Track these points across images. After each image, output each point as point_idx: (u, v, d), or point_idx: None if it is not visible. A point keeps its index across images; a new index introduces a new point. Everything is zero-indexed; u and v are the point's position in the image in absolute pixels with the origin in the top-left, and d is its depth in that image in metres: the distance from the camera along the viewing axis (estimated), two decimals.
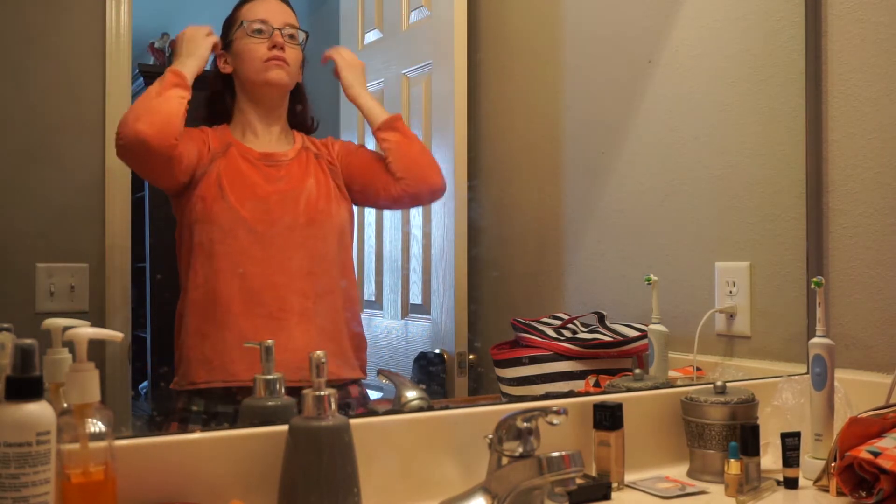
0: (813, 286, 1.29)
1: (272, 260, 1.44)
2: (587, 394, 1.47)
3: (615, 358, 1.55)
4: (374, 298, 2.04)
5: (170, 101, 1.37)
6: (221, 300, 1.40)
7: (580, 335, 1.59)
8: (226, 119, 1.53)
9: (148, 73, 2.01)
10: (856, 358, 1.49)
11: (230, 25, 1.53)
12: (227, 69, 1.52)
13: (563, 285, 1.91)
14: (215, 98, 1.54)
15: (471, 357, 1.86)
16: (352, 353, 1.51)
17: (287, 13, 1.55)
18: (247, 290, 1.41)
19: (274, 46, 1.49)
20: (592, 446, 1.21)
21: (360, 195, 1.58)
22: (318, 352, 0.98)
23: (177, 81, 1.39)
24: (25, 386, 0.77)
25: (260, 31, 1.50)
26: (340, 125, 2.14)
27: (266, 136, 1.52)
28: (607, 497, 1.17)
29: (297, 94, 1.57)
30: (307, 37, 1.56)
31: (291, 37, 1.53)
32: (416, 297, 1.99)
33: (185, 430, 1.30)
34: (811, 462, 1.24)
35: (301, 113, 1.58)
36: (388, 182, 1.55)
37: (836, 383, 1.37)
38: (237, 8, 1.55)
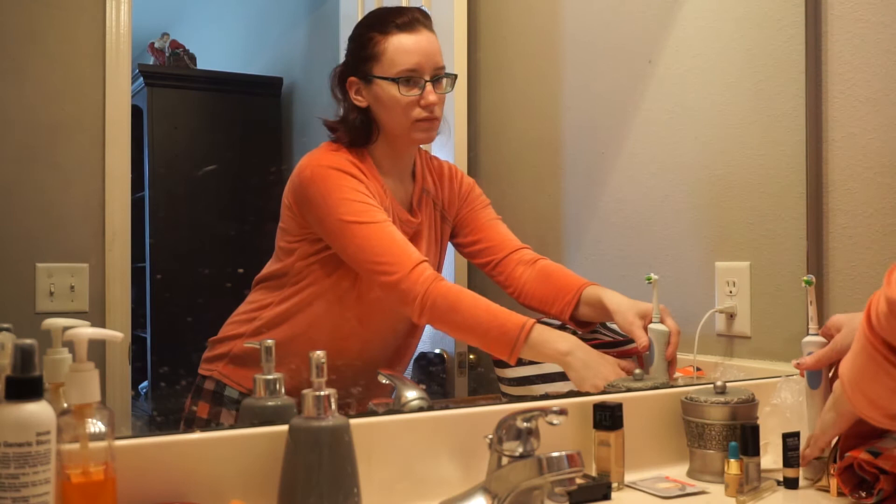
0: (804, 285, 1.29)
1: (367, 332, 1.44)
2: (587, 394, 1.47)
3: (615, 358, 1.55)
4: None
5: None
6: (306, 341, 1.39)
7: (580, 335, 1.59)
8: (366, 144, 1.44)
9: (148, 73, 2.01)
10: None
11: (368, 57, 1.39)
12: (362, 103, 1.41)
13: None
14: (355, 132, 1.42)
15: (471, 357, 1.86)
16: None
17: (436, 52, 1.40)
18: (336, 349, 1.38)
19: (427, 106, 1.38)
20: (592, 446, 1.21)
21: (466, 248, 1.56)
22: (318, 352, 0.98)
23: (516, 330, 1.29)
24: (25, 386, 0.77)
25: (409, 83, 1.37)
26: None
27: (399, 176, 1.47)
28: (607, 497, 1.16)
29: None
30: (455, 79, 1.44)
31: (439, 81, 1.40)
32: None
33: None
34: (811, 462, 1.24)
35: None
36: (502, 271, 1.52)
37: (836, 383, 1.37)
38: (379, 35, 1.38)
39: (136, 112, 1.88)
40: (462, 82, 1.96)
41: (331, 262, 1.42)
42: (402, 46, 1.37)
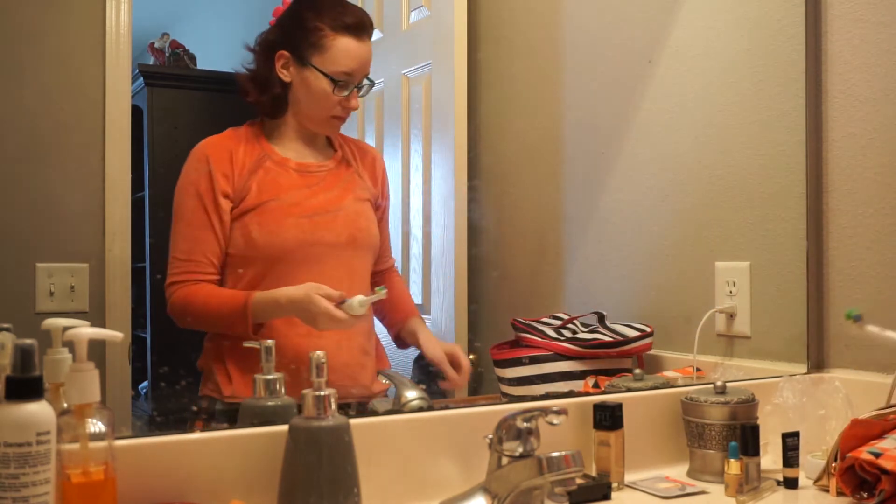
0: None
1: (312, 279, 1.41)
2: (587, 394, 1.47)
3: (615, 358, 1.55)
4: None
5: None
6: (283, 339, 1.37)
7: (580, 335, 1.59)
8: (272, 117, 1.48)
9: (148, 73, 2.01)
10: (856, 358, 1.49)
11: (311, 43, 1.43)
12: (286, 78, 1.45)
13: (563, 285, 1.91)
14: (270, 102, 1.47)
15: (471, 357, 1.86)
16: (381, 366, 1.54)
17: (369, 63, 1.47)
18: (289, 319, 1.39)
19: (347, 108, 1.45)
20: (592, 446, 1.21)
21: None
22: (318, 352, 0.98)
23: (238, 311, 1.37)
24: (25, 386, 0.77)
25: (343, 84, 1.43)
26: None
27: (304, 145, 1.49)
28: (607, 497, 1.17)
29: None
30: (372, 86, 1.50)
31: (362, 88, 1.47)
32: (416, 297, 1.99)
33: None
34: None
35: None
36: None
37: (836, 383, 1.37)
38: (329, 29, 1.43)
39: (136, 112, 1.88)
40: (462, 82, 1.96)
41: (245, 262, 1.44)
42: (348, 50, 1.43)
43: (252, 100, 1.48)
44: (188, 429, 1.37)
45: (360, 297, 1.34)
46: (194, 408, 1.44)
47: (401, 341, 1.57)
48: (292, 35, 1.45)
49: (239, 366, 1.39)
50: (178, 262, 1.41)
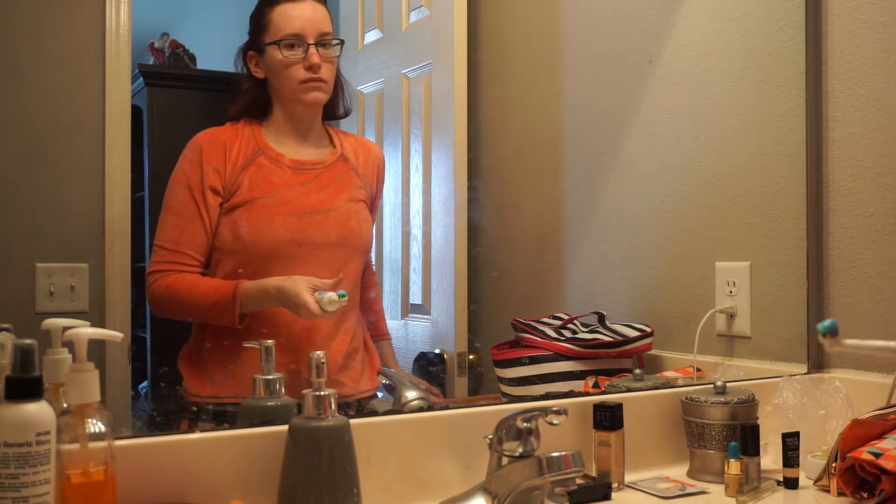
0: None
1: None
2: (587, 394, 1.47)
3: (615, 358, 1.55)
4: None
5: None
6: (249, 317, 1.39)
7: (580, 335, 1.59)
8: (263, 116, 1.49)
9: (148, 73, 2.01)
10: (856, 358, 1.49)
11: (260, 28, 1.48)
12: (260, 74, 1.48)
13: (563, 285, 1.91)
14: (250, 101, 1.49)
15: (471, 357, 1.86)
16: (371, 366, 1.53)
17: (321, 19, 1.49)
18: (274, 309, 1.39)
19: (310, 67, 1.45)
20: (592, 446, 1.21)
21: None
22: (318, 352, 0.98)
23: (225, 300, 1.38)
24: (25, 386, 0.77)
25: (293, 47, 1.45)
26: (339, 124, 2.14)
27: (300, 140, 1.49)
28: (607, 497, 1.17)
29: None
30: (342, 44, 1.51)
31: (326, 46, 1.47)
32: (416, 297, 1.99)
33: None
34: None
35: (331, 103, 1.54)
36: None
37: (836, 383, 1.37)
38: (268, 7, 1.48)
39: (136, 112, 1.88)
40: (462, 82, 1.95)
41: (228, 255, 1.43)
42: (285, 13, 1.46)
43: (237, 110, 1.49)
44: (175, 430, 1.38)
45: (330, 295, 1.34)
46: (179, 409, 1.45)
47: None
48: (251, 34, 1.49)
49: (220, 366, 1.39)
50: (164, 251, 1.41)
